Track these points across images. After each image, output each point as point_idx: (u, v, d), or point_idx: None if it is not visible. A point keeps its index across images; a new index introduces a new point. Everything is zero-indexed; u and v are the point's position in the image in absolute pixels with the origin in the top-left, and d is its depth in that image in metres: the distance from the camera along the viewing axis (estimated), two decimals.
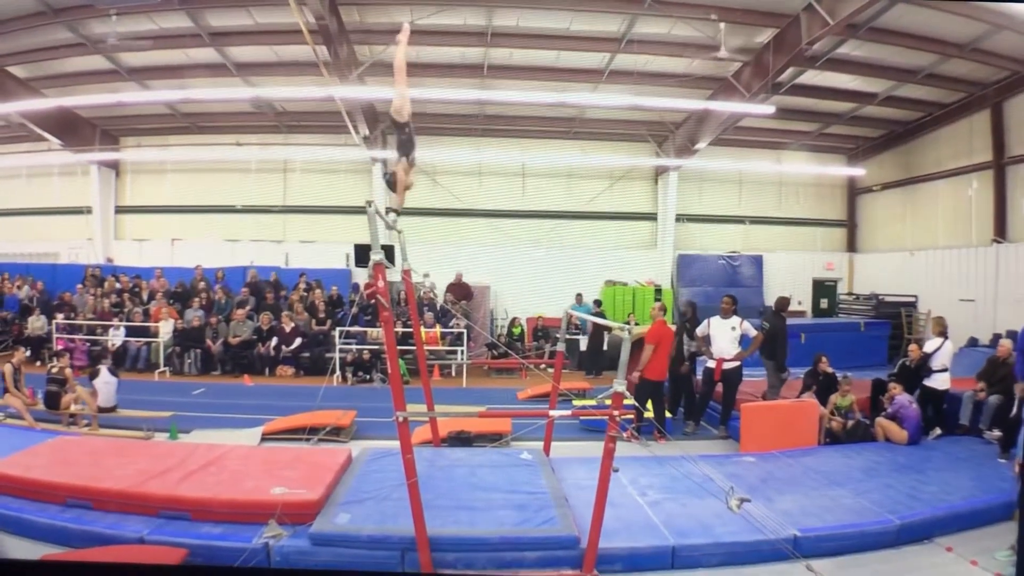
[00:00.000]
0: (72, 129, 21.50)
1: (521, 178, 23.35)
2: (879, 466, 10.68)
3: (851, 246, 25.20)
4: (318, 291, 20.39)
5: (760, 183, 24.43)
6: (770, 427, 11.92)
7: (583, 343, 20.04)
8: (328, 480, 8.79)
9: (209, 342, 18.48)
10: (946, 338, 12.61)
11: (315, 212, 23.06)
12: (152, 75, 19.29)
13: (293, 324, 18.68)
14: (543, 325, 20.84)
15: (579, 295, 21.31)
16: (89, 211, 23.00)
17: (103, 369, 13.46)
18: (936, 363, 12.52)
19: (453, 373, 18.89)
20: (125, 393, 13.76)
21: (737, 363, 13.16)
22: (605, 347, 19.18)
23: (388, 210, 9.58)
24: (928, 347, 12.72)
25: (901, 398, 12.01)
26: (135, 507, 8.27)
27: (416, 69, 18.00)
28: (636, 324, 16.46)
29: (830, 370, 13.09)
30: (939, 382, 12.49)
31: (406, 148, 9.45)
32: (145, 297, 20.18)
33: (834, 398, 12.45)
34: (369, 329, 18.55)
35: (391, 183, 9.55)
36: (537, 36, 17.51)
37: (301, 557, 7.57)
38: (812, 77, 18.82)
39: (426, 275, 20.74)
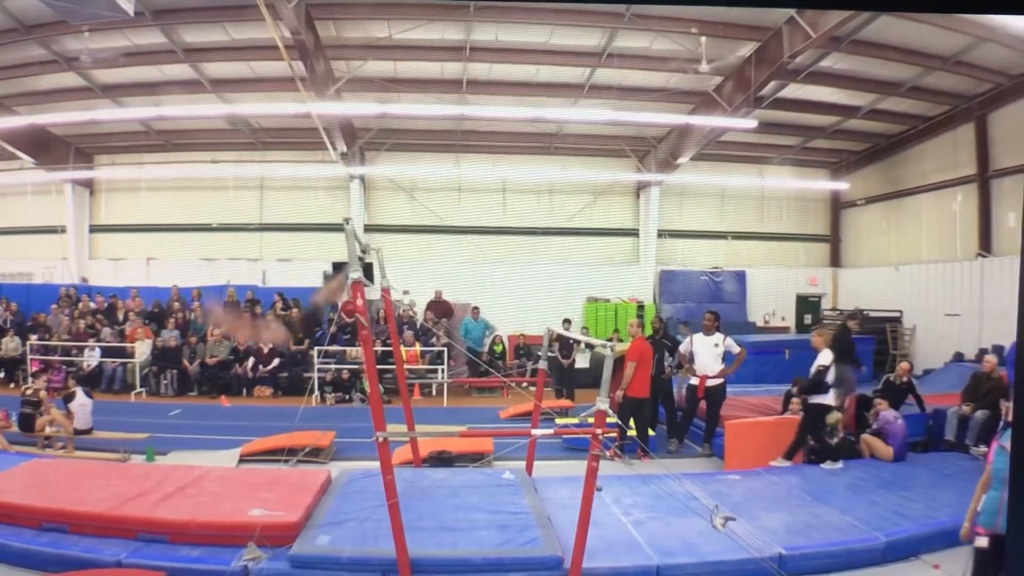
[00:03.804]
0: (45, 147, 21.28)
1: (501, 194, 23.27)
2: (864, 483, 10.69)
3: (835, 261, 25.18)
4: (295, 310, 20.21)
5: (742, 198, 24.42)
6: (755, 444, 11.90)
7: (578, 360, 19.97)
8: (307, 502, 8.70)
9: (186, 362, 18.29)
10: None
11: (292, 230, 22.88)
12: (126, 92, 19.14)
13: (271, 344, 18.49)
14: (524, 343, 20.72)
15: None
16: (63, 230, 22.76)
17: (79, 391, 13.37)
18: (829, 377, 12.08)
19: (434, 392, 18.74)
20: (101, 415, 13.68)
21: (721, 380, 13.13)
22: (576, 365, 19.08)
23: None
24: (824, 359, 12.06)
25: (886, 414, 11.97)
26: (112, 530, 8.19)
27: (394, 84, 17.95)
28: (620, 341, 16.38)
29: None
30: (831, 398, 12.07)
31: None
32: (120, 317, 19.96)
33: None
34: (348, 348, 18.40)
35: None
36: (516, 51, 17.46)
37: None
38: (794, 91, 18.80)
39: (405, 292, 20.60)
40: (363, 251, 9.08)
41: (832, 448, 11.81)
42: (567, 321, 19.59)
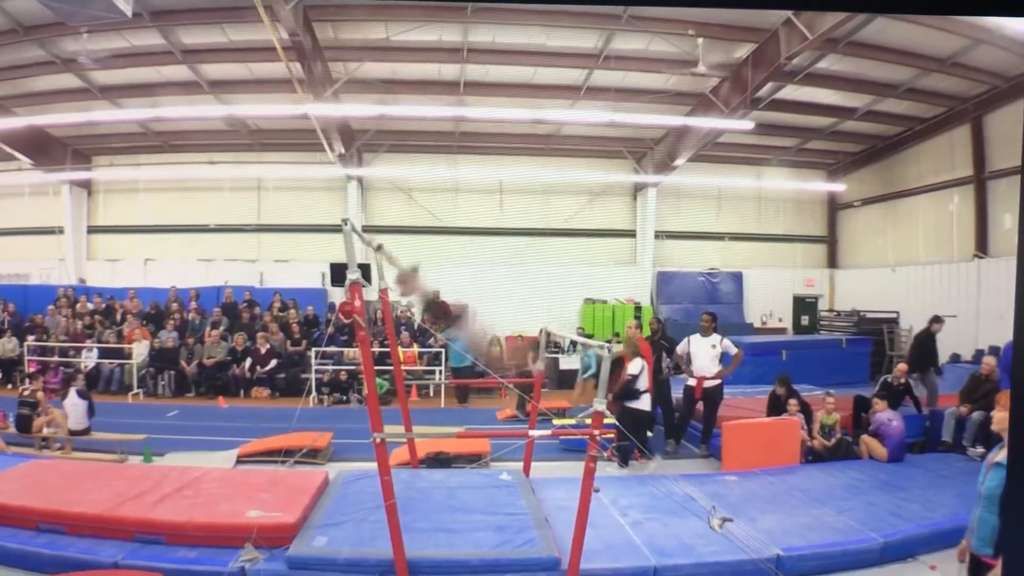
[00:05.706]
0: (43, 148, 21.25)
1: (499, 195, 23.24)
2: (861, 484, 10.67)
3: (832, 262, 25.21)
4: (293, 311, 20.20)
5: (739, 199, 24.42)
6: (752, 445, 11.87)
7: (562, 362, 19.94)
8: (305, 503, 8.67)
9: (183, 363, 18.27)
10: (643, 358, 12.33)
11: (290, 231, 22.88)
12: (124, 93, 19.10)
13: (268, 345, 18.47)
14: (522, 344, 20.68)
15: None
16: (61, 231, 22.75)
17: (71, 391, 13.32)
18: (641, 384, 12.13)
19: (431, 393, 18.72)
20: (98, 416, 13.59)
21: (718, 381, 13.10)
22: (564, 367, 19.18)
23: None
24: (633, 369, 12.17)
25: (882, 415, 11.96)
26: (109, 531, 8.14)
27: (392, 86, 17.94)
28: (619, 343, 16.37)
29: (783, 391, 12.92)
30: (645, 403, 12.16)
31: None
32: (118, 318, 19.94)
33: (820, 415, 12.39)
34: (345, 349, 18.38)
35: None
36: (513, 52, 17.43)
37: None
38: (791, 92, 18.82)
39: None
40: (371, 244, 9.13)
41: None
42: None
